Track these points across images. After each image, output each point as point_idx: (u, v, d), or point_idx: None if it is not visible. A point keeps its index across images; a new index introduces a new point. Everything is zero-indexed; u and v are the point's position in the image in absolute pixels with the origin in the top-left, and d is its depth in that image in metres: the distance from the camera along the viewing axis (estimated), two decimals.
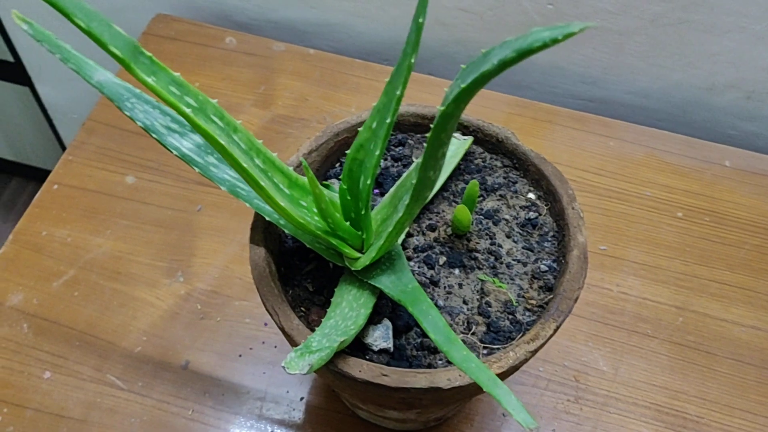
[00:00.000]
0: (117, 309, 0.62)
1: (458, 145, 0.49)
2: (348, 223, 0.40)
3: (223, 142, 0.32)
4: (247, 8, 0.81)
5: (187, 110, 0.31)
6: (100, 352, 0.59)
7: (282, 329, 0.41)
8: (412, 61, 0.34)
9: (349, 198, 0.40)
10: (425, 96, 0.74)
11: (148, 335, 0.60)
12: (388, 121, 0.36)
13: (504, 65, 0.25)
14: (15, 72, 1.14)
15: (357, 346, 0.42)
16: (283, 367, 0.35)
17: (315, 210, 0.40)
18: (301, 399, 0.58)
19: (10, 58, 1.12)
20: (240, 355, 0.60)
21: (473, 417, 0.58)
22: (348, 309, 0.41)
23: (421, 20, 0.34)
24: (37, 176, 1.47)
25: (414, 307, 0.36)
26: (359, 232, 0.41)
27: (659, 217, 0.68)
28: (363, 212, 0.40)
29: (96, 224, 0.67)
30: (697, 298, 0.64)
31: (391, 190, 0.43)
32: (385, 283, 0.40)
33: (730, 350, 0.61)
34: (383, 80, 0.75)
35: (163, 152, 0.71)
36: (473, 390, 0.41)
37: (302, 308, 0.44)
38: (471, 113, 0.50)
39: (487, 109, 0.74)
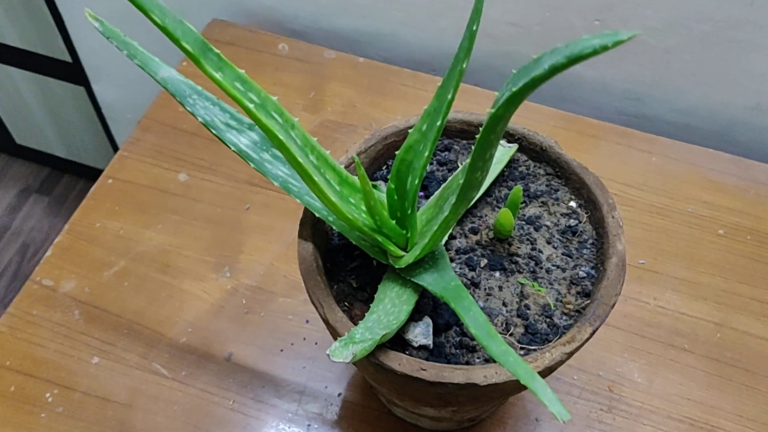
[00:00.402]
0: (165, 300, 0.64)
1: (503, 152, 0.50)
2: (394, 222, 0.42)
3: (281, 137, 0.34)
4: (300, 16, 0.84)
5: (250, 105, 0.33)
6: (146, 341, 0.62)
7: (326, 321, 0.43)
8: (464, 66, 0.35)
9: (396, 197, 0.41)
10: (470, 106, 0.75)
11: (194, 327, 0.62)
12: (438, 124, 0.37)
13: (555, 70, 0.27)
14: (73, 72, 1.19)
15: (397, 342, 0.43)
16: (328, 355, 0.37)
17: (363, 207, 0.42)
18: (339, 395, 0.59)
19: (69, 59, 1.16)
20: (282, 350, 0.61)
21: (506, 420, 0.59)
22: (390, 305, 0.43)
23: (475, 27, 0.35)
24: (87, 174, 1.52)
25: (456, 303, 0.37)
26: (404, 231, 0.43)
27: (700, 234, 0.68)
28: (409, 212, 0.41)
29: (148, 218, 0.69)
30: (736, 315, 0.64)
31: (437, 192, 0.45)
32: (428, 280, 0.41)
33: None
34: (430, 89, 0.77)
35: (215, 152, 0.73)
36: (509, 388, 0.42)
37: (346, 303, 0.46)
38: (516, 123, 0.51)
39: (532, 122, 0.75)
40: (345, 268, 0.47)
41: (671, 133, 0.80)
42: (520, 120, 0.75)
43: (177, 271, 0.66)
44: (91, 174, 1.50)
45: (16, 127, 1.46)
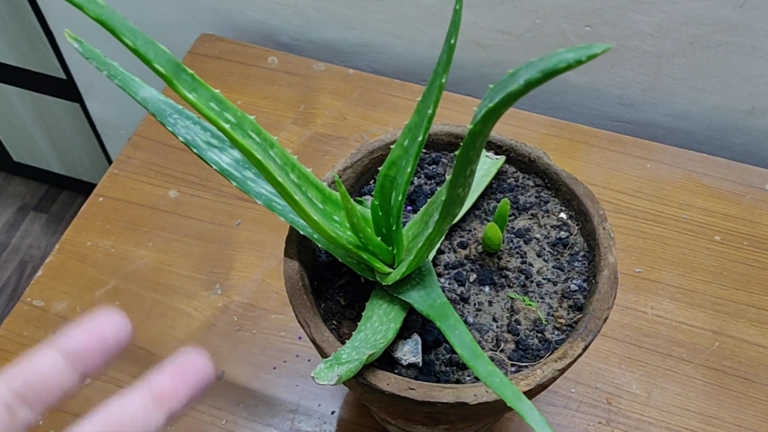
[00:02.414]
0: (156, 319, 0.63)
1: (491, 164, 0.49)
2: (379, 239, 0.41)
3: (259, 157, 0.33)
4: (289, 29, 0.83)
5: (226, 125, 0.33)
6: (138, 361, 0.61)
7: (313, 341, 0.42)
8: (443, 81, 0.35)
9: (380, 214, 0.41)
10: (462, 116, 0.75)
11: (186, 345, 0.62)
12: (419, 139, 0.37)
13: (530, 85, 0.26)
14: (67, 89, 1.19)
15: (386, 360, 0.43)
16: (313, 377, 0.36)
17: (347, 225, 0.41)
18: (333, 413, 0.59)
19: (63, 76, 1.16)
20: (274, 368, 0.61)
21: None
22: (378, 323, 0.42)
23: (453, 41, 0.34)
24: (85, 190, 1.52)
25: (442, 321, 0.36)
26: (390, 248, 0.42)
27: (696, 241, 0.67)
28: (394, 228, 0.41)
29: (139, 236, 0.69)
30: (734, 323, 0.63)
31: (423, 207, 0.44)
32: (415, 298, 0.40)
33: None
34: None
35: (205, 168, 0.73)
36: (500, 407, 0.41)
37: (334, 321, 0.45)
38: (508, 134, 0.51)
39: (523, 130, 0.74)
40: (333, 285, 0.47)
41: (665, 139, 0.79)
42: (511, 129, 0.75)
43: (168, 289, 0.65)
44: (89, 190, 1.49)
45: (13, 144, 1.46)
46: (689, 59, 0.70)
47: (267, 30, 0.85)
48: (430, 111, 0.35)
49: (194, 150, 0.42)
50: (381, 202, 0.41)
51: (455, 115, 0.74)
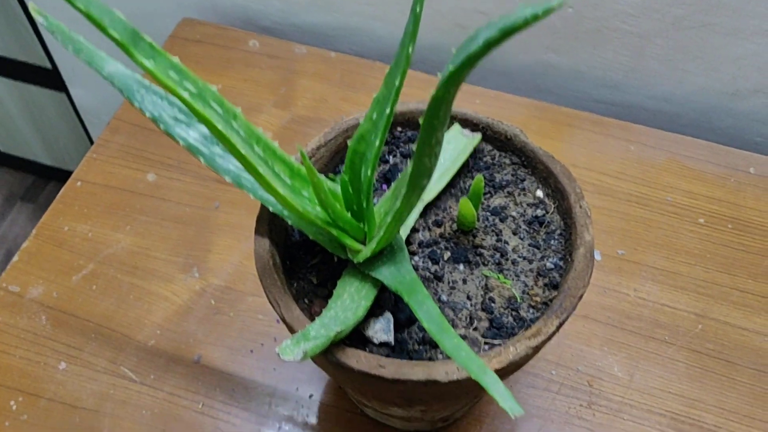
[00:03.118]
0: (133, 303, 0.63)
1: (466, 142, 0.49)
2: (349, 215, 0.40)
3: (220, 128, 0.33)
4: (270, 13, 0.82)
5: (185, 94, 0.32)
6: (115, 345, 0.60)
7: (283, 320, 0.41)
8: (410, 51, 0.34)
9: (350, 190, 0.40)
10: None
11: (162, 329, 0.61)
12: (387, 111, 0.36)
13: (489, 45, 0.25)
14: (52, 78, 1.18)
15: (359, 340, 0.42)
16: (278, 353, 0.35)
17: (316, 200, 0.40)
18: (311, 396, 0.58)
19: (48, 65, 1.15)
20: (251, 351, 0.60)
21: (483, 419, 0.57)
22: (349, 300, 0.41)
23: (418, 10, 0.34)
24: None
25: (410, 296, 0.36)
26: (361, 224, 0.41)
27: (680, 223, 0.67)
28: (365, 204, 0.40)
29: (116, 220, 0.68)
30: (717, 305, 0.62)
31: (394, 183, 0.43)
32: (385, 274, 0.40)
33: (751, 360, 0.60)
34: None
35: (182, 150, 0.72)
36: (473, 386, 0.40)
37: (306, 300, 0.44)
38: (491, 114, 0.50)
39: (506, 111, 0.74)
40: (305, 264, 0.46)
41: (650, 121, 0.78)
42: (493, 111, 0.74)
43: (145, 273, 0.64)
44: None
45: None
46: (672, 40, 0.69)
47: (249, 14, 0.84)
48: (397, 82, 0.35)
49: (161, 126, 0.41)
50: (351, 177, 0.40)
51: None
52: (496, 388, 0.30)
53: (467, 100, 0.75)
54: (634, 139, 0.72)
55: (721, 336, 0.61)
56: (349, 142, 0.39)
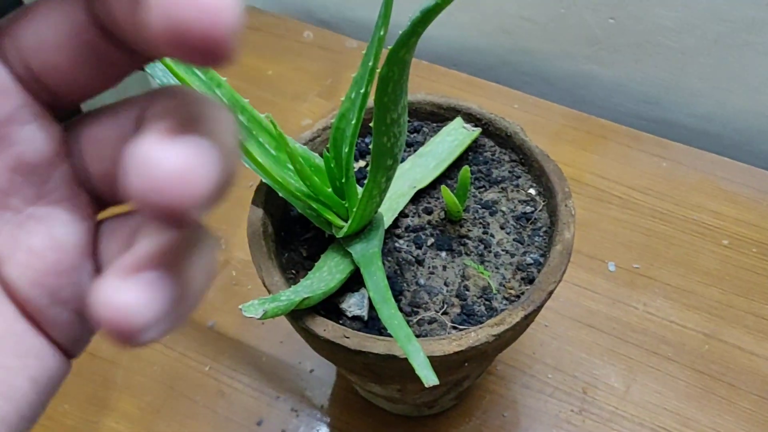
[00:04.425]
0: None
1: (465, 135, 0.50)
2: (330, 190, 0.42)
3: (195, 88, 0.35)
4: (327, 6, 0.86)
5: (167, 58, 0.35)
6: None
7: (264, 284, 0.44)
8: (382, 33, 0.36)
9: (333, 166, 0.42)
10: (491, 104, 0.75)
11: None
12: (362, 91, 0.38)
13: (414, 25, 0.27)
14: None
15: (335, 311, 0.44)
16: (240, 309, 0.38)
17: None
18: (311, 371, 0.60)
19: None
20: (263, 323, 0.63)
21: (473, 412, 0.58)
22: (327, 273, 0.43)
23: None
24: None
25: (365, 268, 0.38)
26: (343, 201, 0.43)
27: (702, 243, 0.66)
28: (344, 180, 0.42)
29: None
30: (729, 328, 0.61)
31: None
32: (357, 249, 0.42)
33: (756, 386, 0.58)
34: (443, 81, 0.77)
35: None
36: (433, 365, 0.42)
37: (293, 271, 0.47)
38: (526, 121, 0.51)
39: (542, 119, 0.74)
40: (298, 238, 0.48)
41: (690, 141, 0.77)
42: (529, 116, 0.74)
43: None
44: None
45: None
46: (714, 58, 0.68)
47: (308, 6, 0.88)
48: (371, 64, 0.37)
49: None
50: (334, 154, 0.42)
51: (486, 102, 0.75)
52: (416, 356, 0.31)
53: (506, 104, 0.76)
54: (668, 156, 0.71)
55: (728, 359, 0.59)
56: (332, 120, 0.41)
